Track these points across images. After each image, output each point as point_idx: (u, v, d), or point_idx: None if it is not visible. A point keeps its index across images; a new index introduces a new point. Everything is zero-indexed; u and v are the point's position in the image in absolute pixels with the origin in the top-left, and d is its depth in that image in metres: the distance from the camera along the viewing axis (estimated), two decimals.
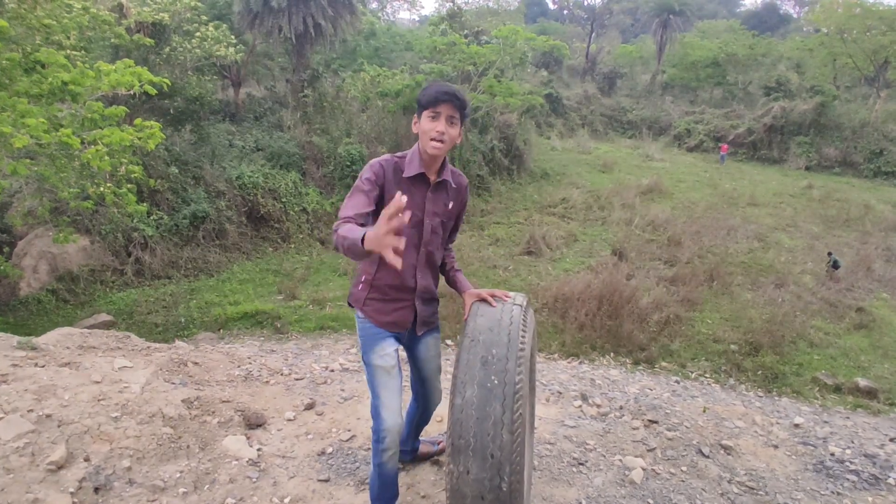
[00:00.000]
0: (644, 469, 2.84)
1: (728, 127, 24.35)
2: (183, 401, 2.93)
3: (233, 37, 14.37)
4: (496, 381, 1.71)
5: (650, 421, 3.39)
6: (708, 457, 3.06)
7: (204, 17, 13.86)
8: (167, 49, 12.60)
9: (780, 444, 3.38)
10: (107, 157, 6.13)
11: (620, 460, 2.91)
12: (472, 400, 1.71)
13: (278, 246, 11.56)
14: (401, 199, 1.38)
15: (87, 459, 2.33)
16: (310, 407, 3.24)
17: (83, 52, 8.80)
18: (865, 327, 8.35)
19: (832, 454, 3.35)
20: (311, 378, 3.83)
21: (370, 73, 16.06)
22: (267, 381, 3.69)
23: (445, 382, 2.15)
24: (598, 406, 3.66)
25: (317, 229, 12.24)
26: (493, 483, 1.67)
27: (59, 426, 2.43)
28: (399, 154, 1.99)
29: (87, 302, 9.00)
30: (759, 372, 6.86)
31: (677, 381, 6.38)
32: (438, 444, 2.71)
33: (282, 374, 3.90)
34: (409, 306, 2.06)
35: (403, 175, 1.94)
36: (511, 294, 2.00)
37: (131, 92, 6.57)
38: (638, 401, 3.95)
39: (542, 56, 29.37)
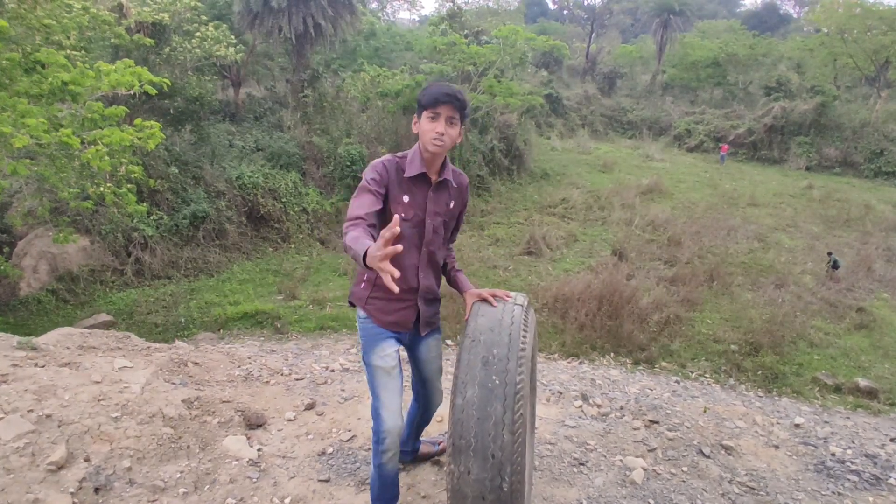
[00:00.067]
0: (645, 469, 2.84)
1: (728, 127, 24.33)
2: (183, 401, 2.93)
3: (233, 37, 14.36)
4: (497, 382, 1.70)
5: (651, 421, 3.39)
6: (709, 457, 3.06)
7: (204, 17, 13.85)
8: (167, 49, 12.60)
9: (780, 445, 3.38)
10: (107, 157, 6.13)
11: (621, 460, 2.91)
12: (472, 400, 1.70)
13: (278, 246, 11.55)
14: (396, 223, 1.42)
15: (87, 459, 2.33)
16: (310, 407, 3.24)
17: (83, 52, 8.79)
18: (866, 327, 8.35)
19: (833, 454, 3.35)
20: (311, 378, 3.82)
21: (370, 74, 16.04)
22: (267, 382, 3.68)
23: (446, 383, 2.15)
24: (599, 406, 3.66)
25: (317, 229, 12.23)
26: (494, 483, 1.67)
27: (59, 426, 2.43)
28: (400, 154, 1.99)
29: (87, 302, 9.00)
30: (760, 372, 6.86)
31: (677, 382, 6.38)
32: (439, 444, 2.71)
33: (282, 375, 3.90)
34: (411, 306, 2.06)
35: (405, 175, 1.94)
36: (512, 294, 1.99)
37: (131, 92, 6.57)
38: (638, 401, 3.94)
39: (542, 56, 29.35)
